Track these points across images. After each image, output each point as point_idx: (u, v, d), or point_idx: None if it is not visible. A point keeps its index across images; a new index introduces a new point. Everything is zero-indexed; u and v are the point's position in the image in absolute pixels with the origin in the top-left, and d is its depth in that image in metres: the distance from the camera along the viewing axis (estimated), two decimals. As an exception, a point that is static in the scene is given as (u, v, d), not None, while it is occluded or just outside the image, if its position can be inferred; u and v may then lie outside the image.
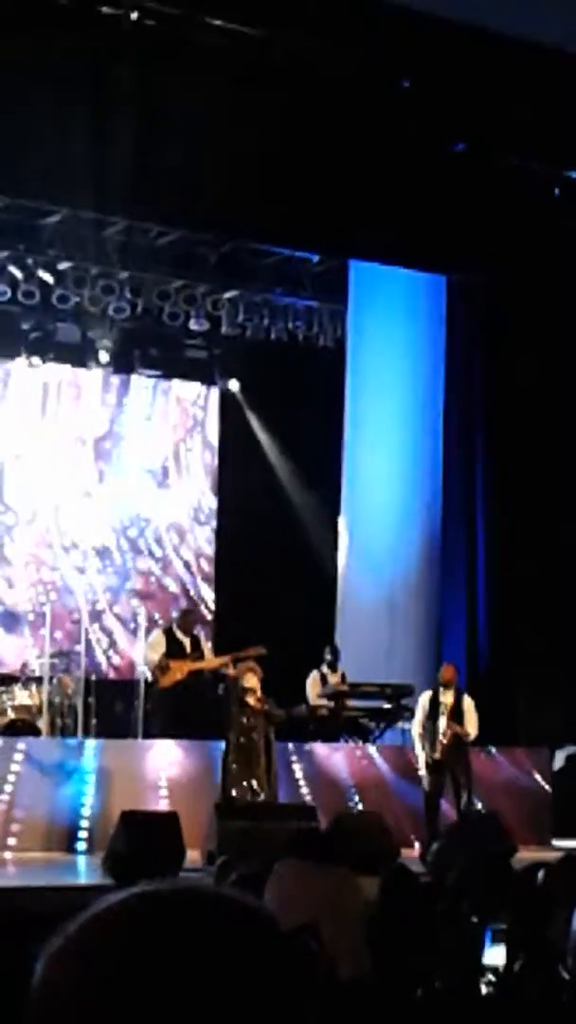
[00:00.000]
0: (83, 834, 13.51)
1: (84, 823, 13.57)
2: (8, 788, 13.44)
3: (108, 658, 18.95)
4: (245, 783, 13.27)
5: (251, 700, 13.47)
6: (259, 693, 13.59)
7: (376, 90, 15.41)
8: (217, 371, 20.37)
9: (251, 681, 13.61)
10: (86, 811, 13.62)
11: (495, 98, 15.74)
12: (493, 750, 15.85)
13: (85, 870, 12.68)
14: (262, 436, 20.02)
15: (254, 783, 13.26)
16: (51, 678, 16.07)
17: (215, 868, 10.71)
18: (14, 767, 13.57)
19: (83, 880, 12.10)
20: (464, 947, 5.21)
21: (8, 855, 13.12)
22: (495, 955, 5.29)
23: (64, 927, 1.26)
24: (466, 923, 5.53)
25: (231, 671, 14.18)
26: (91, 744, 14.56)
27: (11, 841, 13.27)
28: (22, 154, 14.33)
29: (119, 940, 1.21)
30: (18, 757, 13.69)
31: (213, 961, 1.20)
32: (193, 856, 12.25)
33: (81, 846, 13.45)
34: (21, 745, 13.98)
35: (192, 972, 1.19)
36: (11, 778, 13.49)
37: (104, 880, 10.82)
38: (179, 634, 15.39)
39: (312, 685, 15.96)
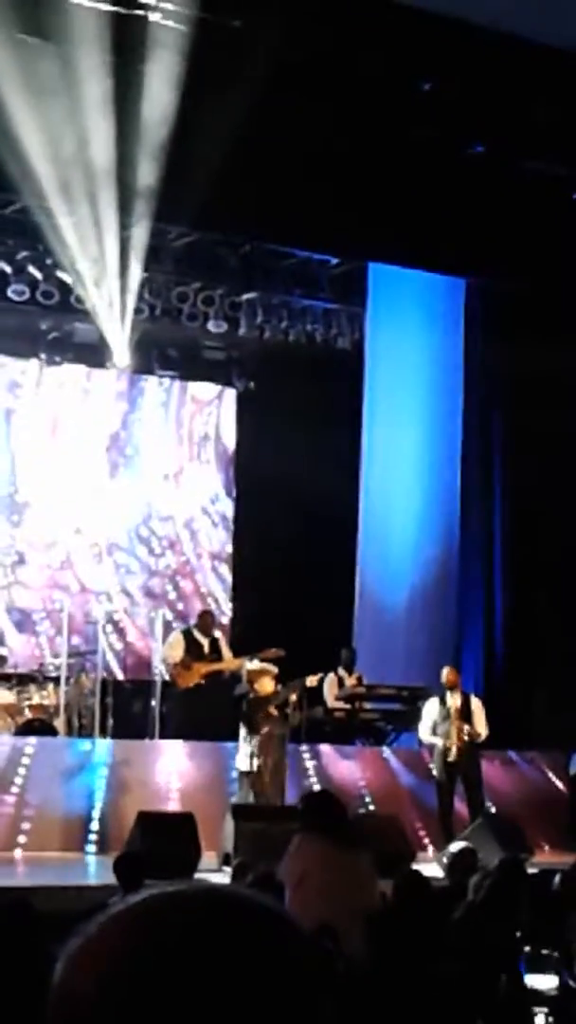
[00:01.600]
0: (94, 835, 13.50)
1: (96, 823, 13.56)
2: (20, 786, 13.43)
3: (124, 659, 18.94)
4: (260, 785, 13.26)
5: (270, 708, 13.45)
6: (275, 696, 13.56)
7: (396, 92, 15.40)
8: (235, 373, 20.38)
9: (267, 685, 13.60)
10: (99, 811, 13.61)
11: (515, 101, 15.72)
12: (510, 753, 15.83)
13: (97, 870, 12.65)
14: (279, 438, 20.01)
15: (266, 785, 13.26)
16: (68, 678, 16.09)
17: (231, 869, 10.75)
18: (27, 766, 13.57)
19: (94, 880, 12.08)
20: (482, 951, 5.21)
21: (19, 853, 13.11)
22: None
23: (83, 927, 1.26)
24: (483, 928, 5.53)
25: (247, 675, 14.18)
26: (105, 744, 14.58)
27: (22, 839, 13.25)
28: (41, 155, 14.35)
29: (139, 940, 1.22)
30: (31, 756, 13.70)
31: (233, 962, 1.21)
32: (207, 857, 12.27)
33: (91, 848, 13.42)
34: (34, 743, 14.00)
35: (211, 973, 1.20)
36: (24, 777, 13.49)
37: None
38: (198, 635, 15.41)
39: (329, 687, 15.95)
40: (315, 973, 1.25)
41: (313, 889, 6.52)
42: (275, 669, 13.90)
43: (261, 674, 13.77)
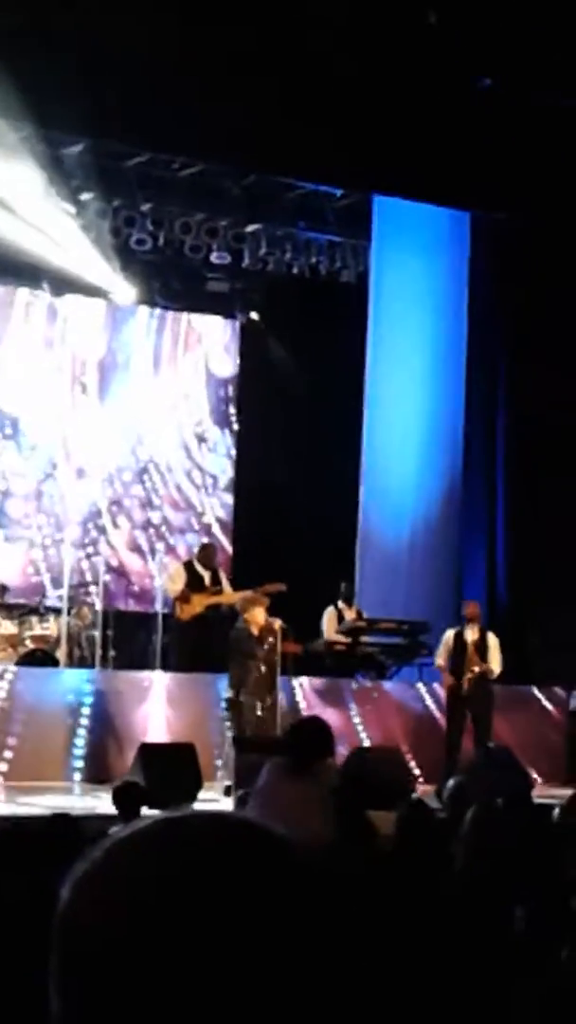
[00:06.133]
0: (91, 764, 13.47)
1: (84, 753, 13.51)
2: (15, 717, 13.42)
3: (126, 590, 18.99)
4: (255, 715, 13.26)
5: (253, 631, 13.40)
6: (263, 623, 13.48)
7: (403, 24, 15.24)
8: (238, 305, 20.30)
9: (258, 615, 13.51)
10: (88, 742, 13.57)
11: (523, 33, 15.56)
12: (511, 688, 15.88)
13: (87, 801, 12.55)
14: (282, 370, 19.96)
15: (259, 714, 13.26)
16: (69, 609, 16.13)
17: (233, 800, 10.82)
18: (23, 696, 13.57)
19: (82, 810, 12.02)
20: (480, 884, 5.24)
21: (12, 783, 13.03)
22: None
23: (89, 852, 1.25)
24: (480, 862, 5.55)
25: (239, 606, 14.09)
26: (103, 675, 14.60)
27: (7, 768, 13.19)
28: (46, 84, 14.22)
29: (145, 865, 1.21)
30: (27, 686, 13.72)
31: (238, 886, 1.20)
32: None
33: (77, 776, 13.37)
34: (30, 674, 14.02)
35: (217, 896, 1.19)
36: (18, 707, 13.48)
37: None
38: (199, 567, 15.42)
39: (329, 621, 15.98)
40: (318, 898, 1.25)
41: (264, 814, 6.58)
42: (267, 600, 13.83)
43: (252, 603, 13.69)
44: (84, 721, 13.64)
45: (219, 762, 13.24)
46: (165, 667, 15.36)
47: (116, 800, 8.77)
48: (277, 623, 13.64)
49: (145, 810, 8.54)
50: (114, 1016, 1.18)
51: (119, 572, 18.99)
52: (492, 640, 14.59)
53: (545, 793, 12.38)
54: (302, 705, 14.66)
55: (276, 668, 13.58)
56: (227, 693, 13.43)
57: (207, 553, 15.87)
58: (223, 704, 13.65)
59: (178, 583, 15.24)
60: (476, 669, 14.34)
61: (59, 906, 1.23)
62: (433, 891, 4.77)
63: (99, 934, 1.19)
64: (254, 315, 20.23)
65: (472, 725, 14.32)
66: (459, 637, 14.50)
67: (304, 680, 14.93)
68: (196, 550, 16.49)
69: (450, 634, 14.61)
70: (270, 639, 13.52)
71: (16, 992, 3.15)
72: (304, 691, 14.84)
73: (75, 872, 1.25)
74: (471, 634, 14.51)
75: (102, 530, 19.07)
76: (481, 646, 14.44)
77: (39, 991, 1.25)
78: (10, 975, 3.40)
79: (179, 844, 1.23)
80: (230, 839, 1.24)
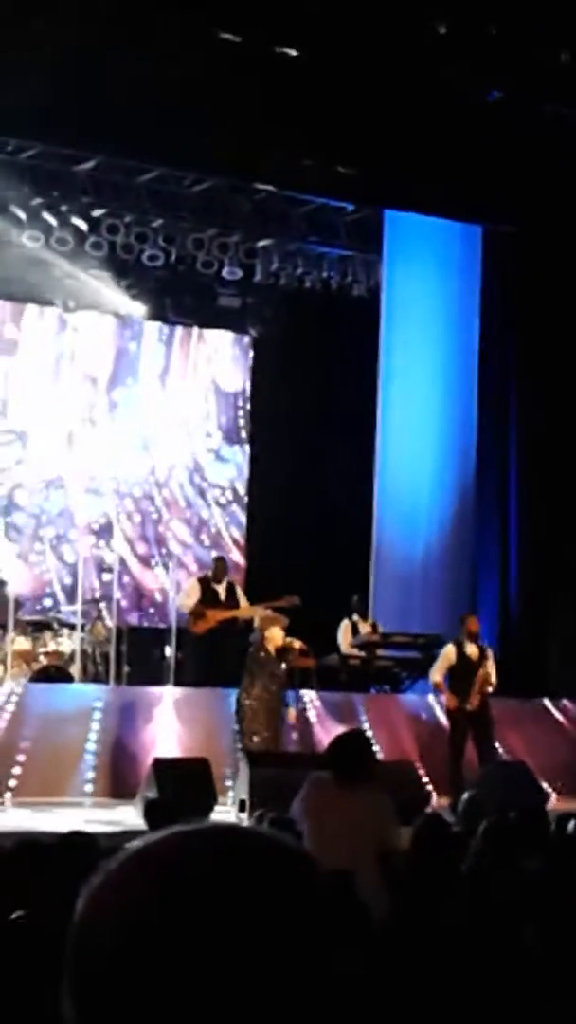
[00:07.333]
0: (102, 780, 13.46)
1: (105, 769, 13.50)
2: (26, 733, 13.41)
3: (140, 606, 19.00)
4: (261, 732, 13.24)
5: (270, 649, 13.42)
6: (281, 643, 13.50)
7: (412, 37, 15.26)
8: (250, 320, 20.33)
9: (277, 635, 13.54)
10: (107, 757, 13.56)
11: (532, 46, 15.57)
12: (524, 702, 15.85)
13: (100, 816, 12.55)
14: (294, 386, 19.96)
15: (265, 733, 13.25)
16: (83, 625, 16.14)
17: (251, 818, 10.79)
18: (33, 712, 13.56)
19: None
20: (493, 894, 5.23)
21: (27, 799, 13.01)
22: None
23: (105, 864, 1.26)
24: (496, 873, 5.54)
25: (257, 622, 14.14)
26: (113, 690, 14.60)
27: (18, 784, 13.21)
28: (57, 101, 14.26)
29: (160, 877, 1.21)
30: (43, 702, 13.72)
31: (253, 899, 1.20)
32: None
33: (88, 791, 13.37)
34: (40, 690, 14.02)
35: (232, 909, 1.19)
36: (28, 723, 13.47)
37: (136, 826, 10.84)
38: (213, 582, 15.44)
39: (344, 634, 15.98)
40: (334, 913, 1.25)
41: (319, 829, 6.57)
42: (286, 620, 13.85)
43: (272, 622, 13.72)
44: (94, 736, 13.62)
45: (229, 778, 13.16)
46: (179, 682, 15.35)
47: (147, 818, 8.73)
48: (296, 643, 13.65)
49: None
50: None
51: (131, 587, 19.00)
52: (489, 654, 14.54)
53: (560, 807, 12.34)
54: (313, 718, 14.64)
55: (282, 682, 13.59)
56: (237, 696, 13.42)
57: (221, 568, 15.88)
58: (234, 716, 13.62)
59: (192, 598, 15.26)
60: (489, 688, 14.28)
61: (74, 916, 1.24)
62: (447, 903, 4.76)
63: (114, 944, 1.19)
64: (266, 332, 20.22)
65: (474, 740, 14.22)
66: (461, 653, 14.39)
67: (321, 694, 14.89)
68: (210, 565, 16.50)
69: (451, 649, 14.47)
70: (286, 659, 13.52)
71: (33, 1002, 3.16)
72: (315, 704, 14.80)
73: (91, 883, 1.25)
74: (473, 649, 14.42)
75: (113, 545, 19.08)
76: (483, 660, 14.38)
77: (54, 1002, 1.26)
78: (25, 988, 3.40)
79: (194, 856, 1.23)
80: (244, 851, 1.24)
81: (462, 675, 14.27)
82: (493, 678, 14.41)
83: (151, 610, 19.03)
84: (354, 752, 7.13)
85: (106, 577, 18.10)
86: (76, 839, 6.28)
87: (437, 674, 14.45)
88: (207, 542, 20.03)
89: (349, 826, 6.47)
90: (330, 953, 1.22)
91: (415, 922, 4.59)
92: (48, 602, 18.56)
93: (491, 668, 14.43)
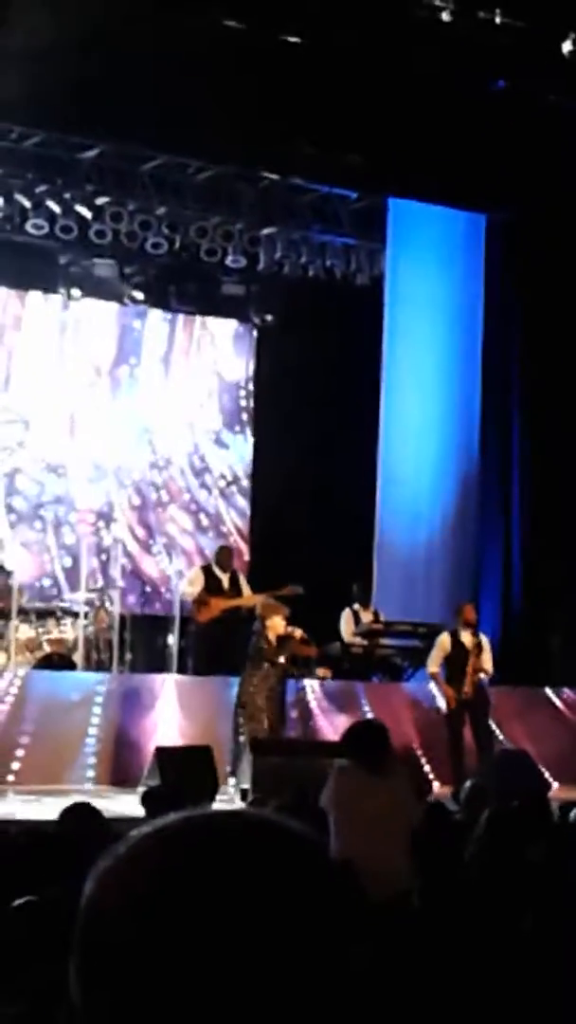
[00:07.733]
0: (104, 767, 13.48)
1: (107, 756, 13.52)
2: (27, 720, 13.43)
3: (144, 593, 19.00)
4: (262, 720, 13.25)
5: (271, 638, 13.43)
6: (283, 632, 13.51)
7: (416, 25, 15.24)
8: (253, 308, 20.30)
9: (278, 624, 13.55)
10: (109, 745, 13.57)
11: (536, 34, 15.55)
12: (526, 690, 15.86)
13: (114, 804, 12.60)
14: (297, 374, 19.94)
15: (266, 721, 13.27)
16: (87, 613, 16.14)
17: (249, 803, 10.81)
18: (41, 700, 13.58)
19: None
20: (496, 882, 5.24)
21: (28, 786, 13.04)
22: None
23: (113, 848, 1.26)
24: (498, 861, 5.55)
25: (260, 610, 14.14)
26: (115, 678, 14.60)
27: (19, 770, 13.22)
28: (60, 88, 14.26)
29: (168, 861, 1.22)
30: (45, 689, 13.72)
31: (262, 883, 1.21)
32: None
33: (90, 778, 13.39)
34: (42, 677, 14.02)
35: (240, 894, 1.20)
36: (30, 710, 13.49)
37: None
38: (217, 570, 15.45)
39: (346, 622, 15.99)
40: (345, 897, 1.26)
41: (353, 817, 6.68)
42: (287, 609, 13.85)
43: (273, 611, 13.73)
44: (96, 724, 13.63)
45: (228, 767, 13.16)
46: (182, 670, 15.37)
47: (145, 804, 8.75)
48: (297, 632, 13.66)
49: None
50: (136, 1008, 1.19)
51: (134, 575, 18.99)
52: (485, 642, 14.55)
53: (562, 795, 12.36)
54: (314, 707, 14.65)
55: (285, 676, 13.61)
56: (238, 690, 13.44)
57: (225, 556, 15.88)
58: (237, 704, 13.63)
59: (196, 586, 15.26)
60: (481, 674, 14.31)
61: (83, 899, 1.25)
62: (450, 891, 4.78)
63: (122, 927, 1.20)
64: (269, 320, 20.20)
65: (472, 728, 14.25)
66: (456, 642, 14.41)
67: (322, 683, 14.92)
68: (214, 553, 16.50)
69: (446, 638, 14.49)
70: (287, 649, 13.53)
71: (40, 983, 3.16)
72: (316, 693, 14.82)
73: (99, 866, 1.26)
74: (468, 637, 14.43)
75: (116, 533, 19.07)
76: (478, 648, 14.39)
77: (63, 984, 1.26)
78: (35, 968, 3.41)
79: (202, 840, 1.24)
80: (252, 835, 1.25)
81: (457, 663, 14.30)
82: (487, 665, 14.42)
83: (152, 595, 19.00)
84: (375, 740, 7.23)
85: (108, 564, 18.09)
86: (80, 809, 6.34)
87: (434, 665, 14.48)
88: (209, 532, 20.00)
89: (380, 812, 6.57)
90: (343, 936, 1.23)
91: (418, 909, 4.61)
92: (47, 582, 18.56)
93: (486, 656, 14.45)
